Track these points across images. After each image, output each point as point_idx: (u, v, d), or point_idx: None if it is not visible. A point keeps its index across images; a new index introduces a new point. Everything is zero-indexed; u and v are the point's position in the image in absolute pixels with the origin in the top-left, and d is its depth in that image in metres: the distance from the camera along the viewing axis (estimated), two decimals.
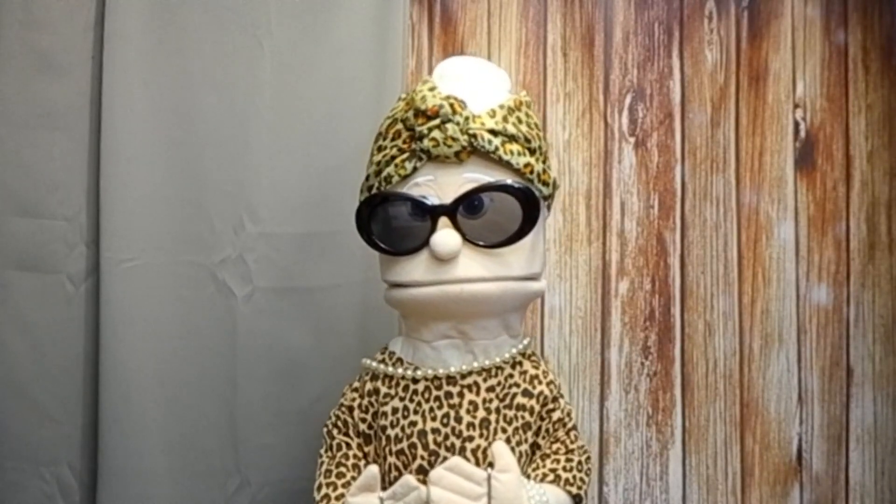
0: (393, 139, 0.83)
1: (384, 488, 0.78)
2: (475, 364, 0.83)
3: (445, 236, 0.78)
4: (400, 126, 0.82)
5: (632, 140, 1.22)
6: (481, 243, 0.80)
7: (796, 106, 1.22)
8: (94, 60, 1.06)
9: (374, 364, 0.87)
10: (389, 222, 0.83)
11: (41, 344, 1.05)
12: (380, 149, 0.84)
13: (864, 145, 1.22)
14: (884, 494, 1.20)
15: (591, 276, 1.21)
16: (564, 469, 0.82)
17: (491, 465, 0.77)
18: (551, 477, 0.82)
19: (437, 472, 0.76)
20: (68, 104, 1.06)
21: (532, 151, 0.82)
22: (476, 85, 0.84)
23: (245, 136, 1.08)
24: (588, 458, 0.86)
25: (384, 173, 0.82)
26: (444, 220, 0.79)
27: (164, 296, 1.06)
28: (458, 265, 0.79)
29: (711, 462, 1.20)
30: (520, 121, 0.82)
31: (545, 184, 0.84)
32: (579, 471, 0.83)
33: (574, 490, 0.82)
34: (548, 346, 1.20)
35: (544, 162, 0.85)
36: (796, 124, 1.22)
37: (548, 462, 0.83)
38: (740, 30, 1.23)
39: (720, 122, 1.22)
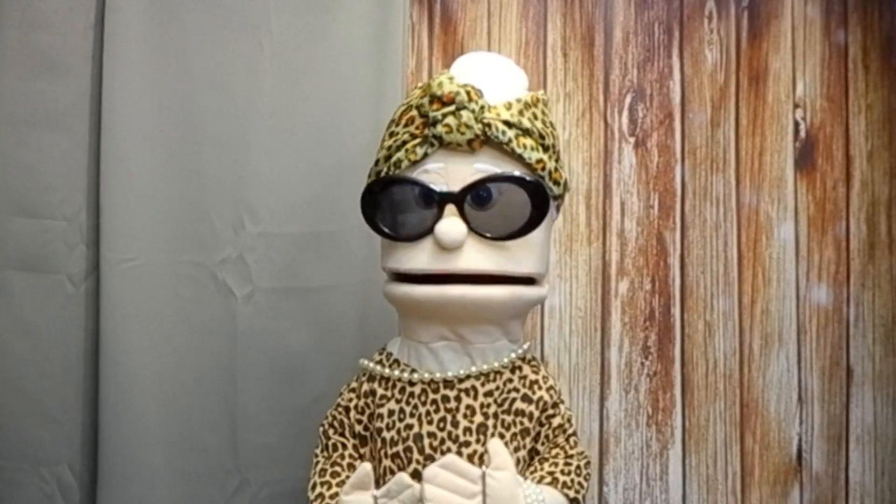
0: (406, 125, 0.82)
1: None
2: (473, 368, 0.82)
3: (451, 224, 0.77)
4: (414, 112, 0.81)
5: (632, 140, 1.22)
6: (488, 235, 0.79)
7: (796, 106, 1.22)
8: (94, 60, 1.06)
9: (371, 365, 0.86)
10: (395, 207, 0.82)
11: (41, 344, 1.05)
12: (392, 134, 0.83)
13: (864, 145, 1.22)
14: (884, 494, 1.20)
15: (591, 276, 1.21)
16: (563, 472, 0.81)
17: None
18: (549, 479, 0.81)
19: (431, 470, 0.75)
20: (68, 104, 1.06)
21: (545, 148, 0.81)
22: (494, 79, 0.83)
23: (245, 136, 1.08)
24: (587, 463, 0.85)
25: (394, 158, 0.81)
26: (450, 209, 0.78)
27: (164, 296, 1.06)
28: (463, 256, 0.78)
29: (711, 462, 1.20)
30: (535, 117, 0.81)
31: (556, 183, 0.83)
32: (577, 475, 0.82)
33: (571, 494, 0.81)
34: (548, 347, 1.20)
35: (557, 161, 0.84)
36: (796, 124, 1.22)
37: (546, 465, 0.82)
38: (740, 30, 1.23)
39: (720, 122, 1.22)
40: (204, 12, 1.08)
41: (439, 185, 0.79)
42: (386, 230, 0.82)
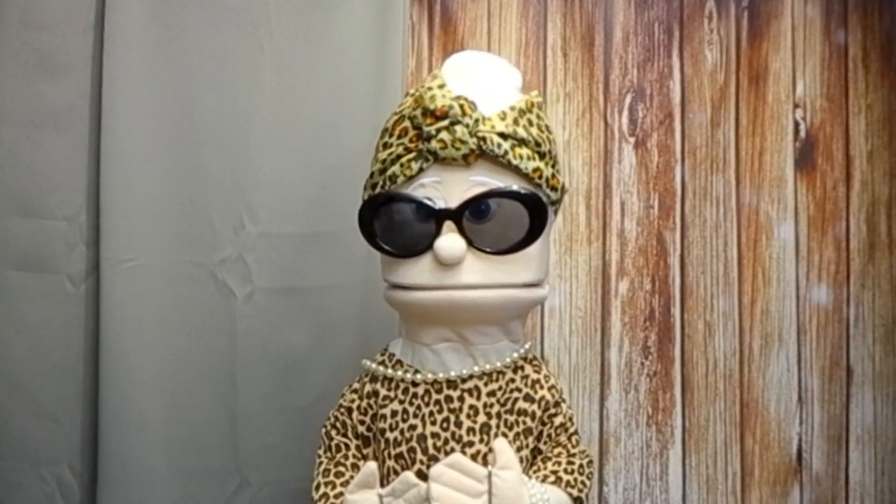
0: (399, 137, 0.81)
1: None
2: (475, 368, 0.82)
3: (450, 241, 0.77)
4: (407, 124, 0.80)
5: (632, 140, 1.22)
6: (487, 249, 0.78)
7: (796, 106, 1.22)
8: (94, 60, 1.06)
9: (374, 366, 0.86)
10: (393, 223, 0.82)
11: (41, 344, 1.05)
12: (385, 146, 0.83)
13: (864, 145, 1.22)
14: (884, 494, 1.20)
15: (591, 276, 1.21)
16: (566, 471, 0.82)
17: None
18: (552, 478, 0.81)
19: (437, 469, 0.75)
20: (68, 104, 1.06)
21: (542, 156, 0.81)
22: (487, 83, 0.82)
23: (245, 136, 1.08)
24: (590, 461, 0.86)
25: (389, 172, 0.81)
26: (449, 224, 0.78)
27: (164, 296, 1.06)
28: (463, 271, 0.78)
29: (711, 462, 1.20)
30: (530, 123, 0.81)
31: (554, 189, 0.83)
32: (581, 474, 0.83)
33: (575, 493, 0.81)
34: (548, 347, 1.20)
35: (553, 166, 0.83)
36: (796, 124, 1.22)
37: (549, 464, 0.83)
38: (740, 30, 1.22)
39: (720, 122, 1.22)
40: (204, 12, 1.08)
41: (436, 200, 0.79)
42: (385, 247, 0.82)
